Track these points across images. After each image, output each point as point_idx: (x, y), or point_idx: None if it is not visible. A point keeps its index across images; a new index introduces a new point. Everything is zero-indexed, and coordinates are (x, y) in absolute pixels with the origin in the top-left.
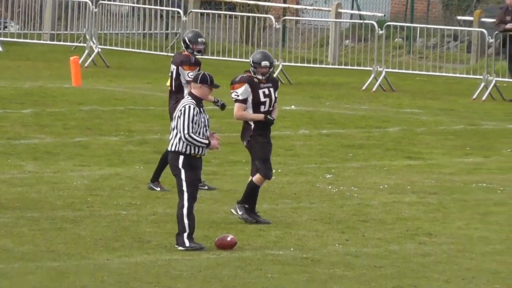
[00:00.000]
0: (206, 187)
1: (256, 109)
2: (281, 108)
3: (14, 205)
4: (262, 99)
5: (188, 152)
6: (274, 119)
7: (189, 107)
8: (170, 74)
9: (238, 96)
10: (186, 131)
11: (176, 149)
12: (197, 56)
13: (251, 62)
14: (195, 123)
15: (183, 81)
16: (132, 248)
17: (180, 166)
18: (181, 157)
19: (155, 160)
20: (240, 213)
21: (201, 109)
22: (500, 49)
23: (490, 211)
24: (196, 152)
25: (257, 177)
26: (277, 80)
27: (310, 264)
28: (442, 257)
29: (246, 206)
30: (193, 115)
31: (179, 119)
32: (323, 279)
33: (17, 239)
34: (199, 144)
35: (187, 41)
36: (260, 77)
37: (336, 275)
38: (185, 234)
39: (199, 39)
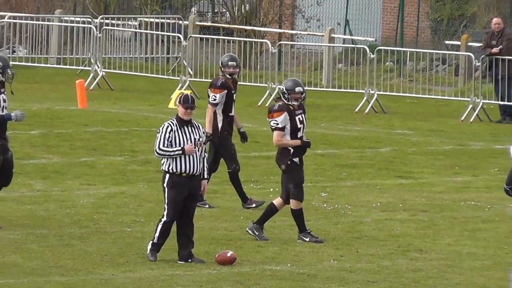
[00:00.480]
0: (207, 206)
1: (293, 136)
2: None
3: (23, 222)
4: (299, 125)
5: (171, 171)
6: (310, 142)
7: (164, 125)
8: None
9: (277, 124)
10: (156, 147)
11: (162, 168)
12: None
13: (284, 90)
14: (168, 140)
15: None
16: (136, 264)
17: (164, 184)
18: (167, 176)
19: (158, 179)
20: (307, 239)
21: (185, 127)
22: (487, 72)
23: (478, 228)
24: (179, 170)
25: (293, 203)
26: (303, 106)
27: (306, 279)
28: (432, 272)
29: (308, 231)
30: (166, 132)
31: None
32: None
33: (26, 255)
34: (172, 154)
35: (220, 64)
36: (295, 103)
37: None
38: (150, 242)
39: (230, 63)
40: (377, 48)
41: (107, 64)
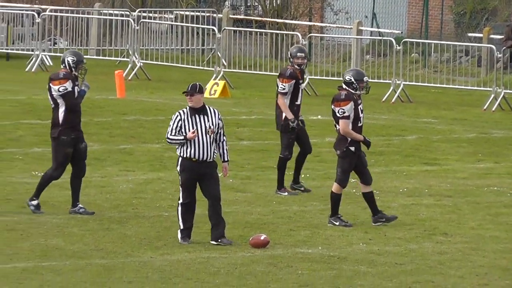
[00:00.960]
0: (302, 188)
1: (354, 123)
2: (309, 118)
3: (65, 207)
4: (360, 114)
5: (183, 155)
6: (370, 142)
7: (174, 114)
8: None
9: (344, 112)
10: (167, 135)
11: (177, 153)
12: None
13: (352, 80)
14: (176, 129)
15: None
16: (173, 247)
17: (177, 168)
18: (179, 160)
19: None
20: (337, 223)
21: (196, 115)
22: (508, 63)
23: (500, 213)
24: (189, 155)
25: (335, 186)
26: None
27: (336, 262)
28: (457, 255)
29: (339, 216)
30: (175, 121)
31: None
32: (348, 275)
33: (68, 238)
34: (178, 141)
35: (289, 54)
36: (363, 92)
37: (361, 272)
38: (179, 231)
39: (299, 54)
40: (403, 40)
41: (145, 56)
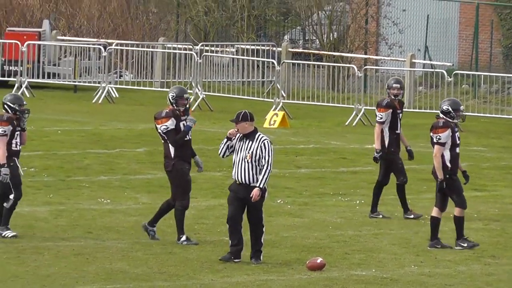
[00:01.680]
0: (380, 216)
1: (452, 150)
2: (364, 147)
3: (130, 232)
4: (457, 141)
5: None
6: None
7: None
8: None
9: (440, 139)
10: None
11: None
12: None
13: (449, 109)
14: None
15: None
16: (233, 270)
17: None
18: None
19: None
20: (465, 245)
21: (244, 140)
22: None
23: None
24: (232, 175)
25: (457, 210)
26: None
27: (389, 283)
28: (504, 276)
29: (465, 237)
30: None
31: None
32: None
33: (132, 262)
34: (222, 144)
35: (386, 86)
36: (460, 120)
37: None
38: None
39: (395, 85)
40: (454, 72)
41: (207, 87)
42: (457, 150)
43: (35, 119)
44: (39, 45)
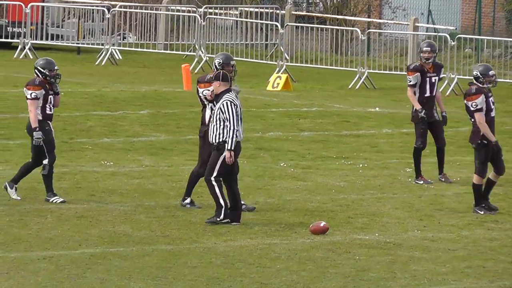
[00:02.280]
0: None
1: (487, 114)
2: (367, 110)
3: (133, 195)
4: (491, 106)
5: None
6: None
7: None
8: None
9: (477, 105)
10: None
11: None
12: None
13: (478, 74)
14: None
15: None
16: (236, 233)
17: None
18: None
19: (257, 155)
20: (482, 213)
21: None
22: None
23: None
24: None
25: (475, 178)
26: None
27: (392, 248)
28: (507, 241)
29: (483, 205)
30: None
31: None
32: (404, 261)
33: (135, 225)
34: None
35: (419, 50)
36: (491, 85)
37: (415, 257)
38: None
39: (425, 48)
40: (457, 36)
41: (210, 50)
42: (492, 114)
43: None
44: (42, 7)
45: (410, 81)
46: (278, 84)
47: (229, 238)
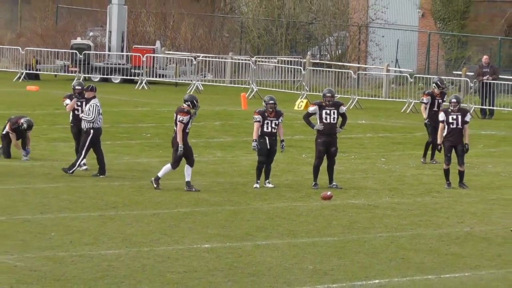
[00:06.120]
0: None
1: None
2: (356, 122)
3: (210, 175)
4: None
5: None
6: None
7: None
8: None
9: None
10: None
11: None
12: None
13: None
14: None
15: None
16: (274, 199)
17: None
18: None
19: (287, 150)
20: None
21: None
22: (478, 91)
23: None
24: None
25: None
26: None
27: (372, 208)
28: (445, 204)
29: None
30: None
31: None
32: (379, 216)
33: (211, 194)
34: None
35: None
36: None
37: (387, 214)
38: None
39: (434, 84)
40: (414, 75)
41: (259, 84)
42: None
43: (150, 103)
44: (153, 57)
45: (423, 100)
46: (300, 105)
47: (270, 202)
